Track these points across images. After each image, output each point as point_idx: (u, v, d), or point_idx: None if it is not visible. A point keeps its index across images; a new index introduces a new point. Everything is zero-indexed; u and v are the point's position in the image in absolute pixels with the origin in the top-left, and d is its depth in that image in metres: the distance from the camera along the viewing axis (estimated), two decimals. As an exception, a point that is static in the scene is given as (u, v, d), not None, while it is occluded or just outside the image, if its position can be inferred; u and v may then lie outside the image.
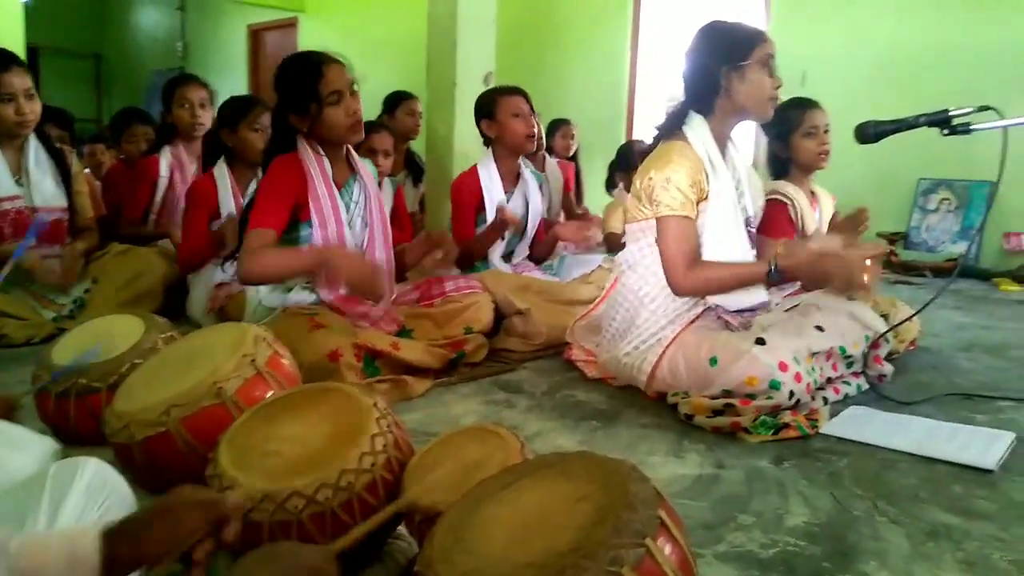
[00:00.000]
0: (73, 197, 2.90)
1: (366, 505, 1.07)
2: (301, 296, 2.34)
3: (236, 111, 2.94)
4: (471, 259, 2.98)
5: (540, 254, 3.27)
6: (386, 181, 3.60)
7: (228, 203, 2.91)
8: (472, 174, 3.07)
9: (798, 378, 1.84)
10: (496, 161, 3.08)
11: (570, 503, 0.90)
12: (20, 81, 2.64)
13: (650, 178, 2.04)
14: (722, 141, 2.15)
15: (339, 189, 2.27)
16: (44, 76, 8.97)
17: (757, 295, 2.13)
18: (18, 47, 6.12)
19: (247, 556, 0.87)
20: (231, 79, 9.57)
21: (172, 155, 3.39)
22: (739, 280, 2.03)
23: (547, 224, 3.31)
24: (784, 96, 2.23)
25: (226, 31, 9.87)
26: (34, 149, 2.79)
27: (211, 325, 2.71)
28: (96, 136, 5.40)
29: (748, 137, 5.33)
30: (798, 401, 1.86)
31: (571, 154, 5.02)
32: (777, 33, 5.15)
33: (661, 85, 6.50)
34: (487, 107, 3.07)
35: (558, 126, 5.05)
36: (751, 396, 1.84)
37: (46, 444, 1.23)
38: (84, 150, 4.85)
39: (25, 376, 1.70)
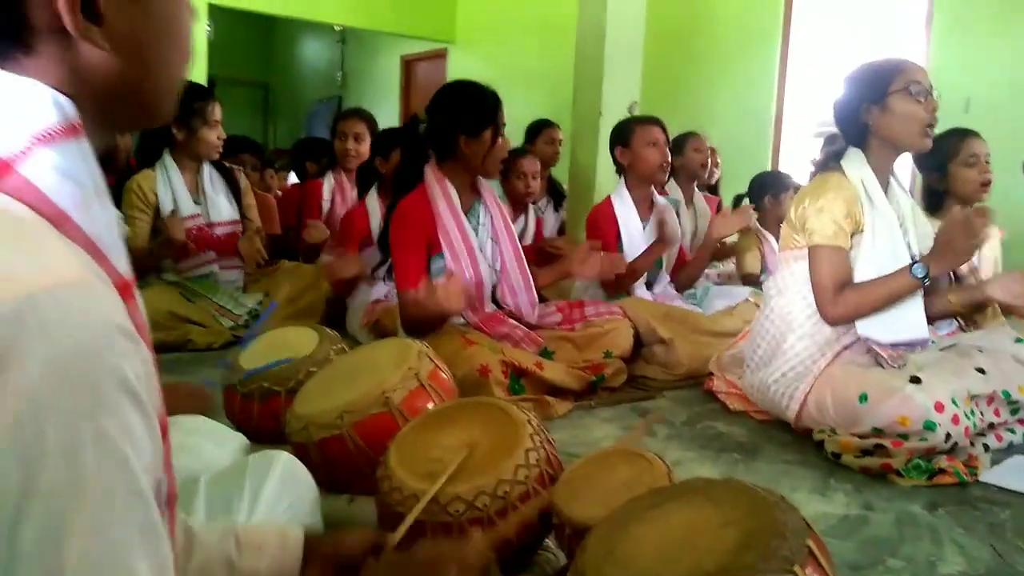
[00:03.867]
0: (244, 210, 3.20)
1: (520, 514, 1.15)
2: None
3: (390, 141, 3.14)
4: (623, 285, 2.96)
5: (681, 283, 3.24)
6: (529, 210, 3.73)
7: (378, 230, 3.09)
8: (607, 205, 3.09)
9: (955, 420, 1.76)
10: (629, 190, 3.09)
11: (717, 527, 0.93)
12: (219, 111, 2.96)
13: (804, 207, 2.05)
14: (883, 175, 2.10)
15: (465, 214, 2.38)
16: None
17: (916, 328, 2.02)
18: (201, 78, 6.77)
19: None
20: (385, 107, 10.10)
21: (335, 181, 3.67)
22: (889, 291, 1.97)
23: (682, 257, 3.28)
24: (946, 126, 2.16)
25: (382, 62, 10.44)
26: (208, 170, 3.09)
27: (367, 338, 2.94)
28: (266, 162, 5.85)
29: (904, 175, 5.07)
30: (955, 445, 1.79)
31: (714, 181, 4.84)
32: (938, 59, 4.90)
33: (809, 113, 6.30)
34: (623, 135, 3.08)
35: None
36: (903, 437, 1.78)
37: (238, 439, 1.40)
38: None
39: (207, 376, 1.91)
